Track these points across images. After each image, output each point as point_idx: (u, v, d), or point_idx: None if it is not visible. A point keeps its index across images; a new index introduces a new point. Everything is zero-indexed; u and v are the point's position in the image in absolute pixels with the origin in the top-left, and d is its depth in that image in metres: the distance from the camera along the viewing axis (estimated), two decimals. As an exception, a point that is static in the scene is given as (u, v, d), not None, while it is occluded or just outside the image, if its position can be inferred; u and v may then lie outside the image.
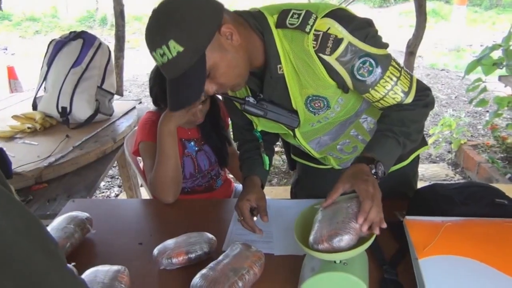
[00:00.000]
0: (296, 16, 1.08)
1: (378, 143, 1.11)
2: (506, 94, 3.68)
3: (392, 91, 1.12)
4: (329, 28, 1.06)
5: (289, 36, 1.10)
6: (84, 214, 1.28)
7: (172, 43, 0.98)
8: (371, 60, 1.09)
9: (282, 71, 1.14)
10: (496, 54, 3.57)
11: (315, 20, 1.06)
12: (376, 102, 1.16)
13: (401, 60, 3.65)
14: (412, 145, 1.16)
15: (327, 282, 0.97)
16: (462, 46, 8.34)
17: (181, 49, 0.98)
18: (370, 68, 1.09)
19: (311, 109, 1.20)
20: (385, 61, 1.11)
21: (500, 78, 3.19)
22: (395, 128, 1.11)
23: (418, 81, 1.17)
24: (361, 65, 1.09)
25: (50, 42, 2.27)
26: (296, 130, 1.27)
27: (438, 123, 4.16)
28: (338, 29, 1.06)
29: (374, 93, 1.13)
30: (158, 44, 0.99)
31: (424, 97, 1.16)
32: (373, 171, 1.03)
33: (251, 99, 1.19)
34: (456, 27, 8.39)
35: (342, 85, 1.15)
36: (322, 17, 1.07)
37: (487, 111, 4.73)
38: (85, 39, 2.19)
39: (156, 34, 1.01)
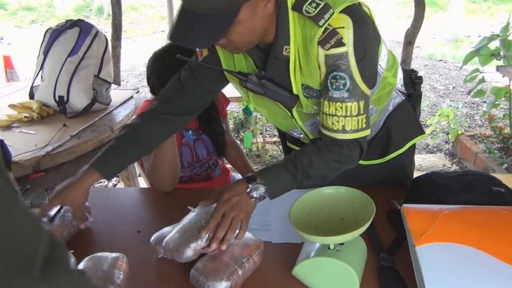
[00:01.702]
0: (314, 5, 1.04)
1: (273, 169, 1.13)
2: (504, 85, 3.69)
3: (337, 118, 1.10)
4: (342, 27, 1.03)
5: (302, 22, 1.08)
6: None
7: None
8: (348, 82, 1.07)
9: (288, 52, 1.11)
10: (494, 45, 3.57)
11: (331, 15, 1.03)
12: (321, 112, 1.14)
13: (399, 50, 3.66)
14: (311, 186, 1.15)
15: (318, 267, 0.98)
16: (460, 36, 8.33)
17: None
18: (341, 87, 1.07)
19: (305, 94, 1.19)
20: (357, 94, 1.08)
21: (498, 68, 3.19)
22: (299, 163, 1.11)
23: (365, 137, 1.15)
24: (338, 77, 1.07)
25: (47, 31, 2.25)
26: (293, 110, 1.24)
27: (436, 114, 4.17)
28: (348, 35, 1.03)
29: (326, 105, 1.11)
30: None
31: (346, 152, 1.13)
32: (249, 189, 1.07)
33: (254, 78, 1.17)
34: (454, 18, 8.38)
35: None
36: (340, 11, 1.04)
37: (485, 102, 4.75)
38: (82, 28, 2.17)
39: None
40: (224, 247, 1.01)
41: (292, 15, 1.08)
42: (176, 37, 1.02)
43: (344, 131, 1.11)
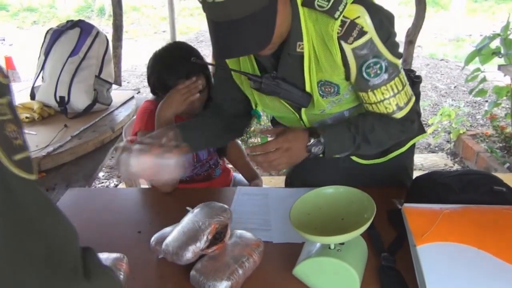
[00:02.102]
0: None
1: (336, 129, 1.15)
2: (505, 84, 3.68)
3: (387, 100, 1.13)
4: (358, 17, 1.04)
5: (314, 17, 1.08)
6: None
7: None
8: (383, 64, 1.09)
9: (302, 48, 1.11)
10: (495, 44, 3.56)
11: (345, 6, 1.04)
12: (368, 104, 1.16)
13: (400, 49, 3.65)
14: (367, 152, 1.19)
15: (319, 267, 0.98)
16: (461, 36, 8.31)
17: None
18: (379, 72, 1.09)
19: (320, 92, 1.19)
20: (395, 70, 1.11)
21: (500, 67, 3.18)
22: (360, 128, 1.13)
23: (414, 103, 1.18)
24: (372, 64, 1.09)
25: (47, 31, 2.26)
26: (302, 112, 1.25)
27: (438, 113, 4.17)
28: (366, 21, 1.05)
29: (371, 95, 1.13)
30: None
31: (407, 123, 1.17)
32: (309, 143, 1.09)
33: (269, 78, 1.16)
34: (455, 17, 8.36)
35: (347, 74, 1.14)
36: (351, 2, 1.05)
37: (486, 101, 4.74)
38: (82, 28, 2.17)
39: None
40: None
41: (302, 11, 1.08)
42: (224, 52, 1.02)
43: (399, 108, 1.14)
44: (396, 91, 1.12)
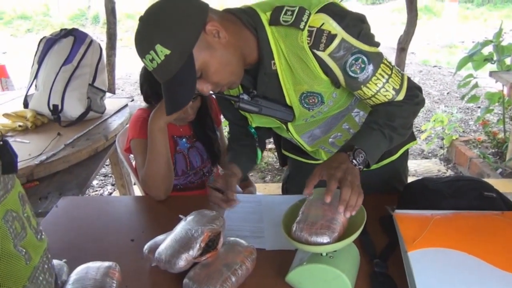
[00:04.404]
0: (289, 13, 1.08)
1: (361, 134, 1.13)
2: (497, 90, 3.71)
3: (383, 88, 1.13)
4: (323, 24, 1.06)
5: (282, 33, 1.10)
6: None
7: (159, 47, 1.00)
8: (364, 57, 1.10)
9: (276, 67, 1.14)
10: (487, 50, 3.60)
11: (308, 16, 1.06)
12: (367, 99, 1.17)
13: (393, 56, 3.69)
14: (400, 139, 1.17)
15: (311, 274, 0.98)
16: (454, 42, 8.40)
17: (168, 52, 1.00)
18: (363, 65, 1.10)
19: (305, 105, 1.21)
20: (377, 58, 1.12)
21: (491, 73, 3.21)
22: (380, 120, 1.12)
23: (409, 80, 1.18)
24: (353, 61, 1.10)
25: (41, 40, 2.26)
26: (289, 123, 1.28)
27: (431, 119, 4.20)
28: (332, 25, 1.06)
29: (366, 90, 1.14)
30: (146, 50, 1.02)
31: (414, 97, 1.17)
32: (351, 158, 1.05)
33: (245, 96, 1.20)
34: (448, 24, 8.45)
35: (335, 81, 1.16)
36: (316, 12, 1.07)
37: (479, 107, 4.77)
38: (76, 37, 2.18)
39: (143, 41, 1.04)
40: (353, 213, 0.97)
41: (270, 31, 1.11)
42: (169, 109, 1.09)
43: (397, 91, 1.15)
44: (387, 76, 1.13)
